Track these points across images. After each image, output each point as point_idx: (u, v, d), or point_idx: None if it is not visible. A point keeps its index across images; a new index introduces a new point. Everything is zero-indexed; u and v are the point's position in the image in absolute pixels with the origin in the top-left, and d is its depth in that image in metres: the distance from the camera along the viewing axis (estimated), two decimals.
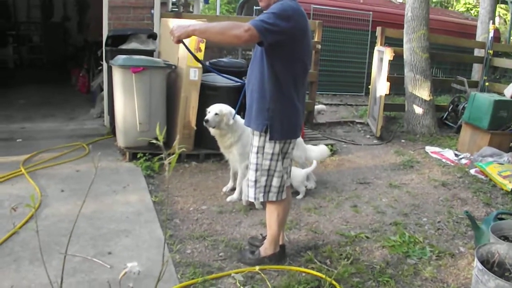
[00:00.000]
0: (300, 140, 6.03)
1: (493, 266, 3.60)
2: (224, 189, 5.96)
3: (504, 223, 4.45)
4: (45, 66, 15.11)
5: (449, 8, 31.22)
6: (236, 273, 4.00)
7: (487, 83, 10.60)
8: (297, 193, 5.92)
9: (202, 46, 6.47)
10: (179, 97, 6.69)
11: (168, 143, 6.69)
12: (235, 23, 3.53)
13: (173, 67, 6.77)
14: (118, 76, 6.53)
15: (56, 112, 9.00)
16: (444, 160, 7.87)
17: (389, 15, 14.65)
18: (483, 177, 7.03)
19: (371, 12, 14.66)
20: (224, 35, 3.56)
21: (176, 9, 21.26)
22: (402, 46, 9.86)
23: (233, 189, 5.88)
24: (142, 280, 3.56)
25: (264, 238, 4.40)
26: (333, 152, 7.88)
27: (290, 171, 4.29)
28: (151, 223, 4.83)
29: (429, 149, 8.43)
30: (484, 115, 7.92)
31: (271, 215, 4.13)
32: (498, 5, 17.36)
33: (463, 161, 7.82)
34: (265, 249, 4.25)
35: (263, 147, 3.89)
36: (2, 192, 5.38)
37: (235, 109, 5.32)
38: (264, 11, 3.67)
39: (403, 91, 10.17)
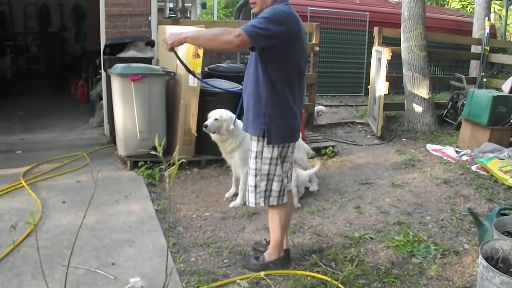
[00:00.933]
0: (300, 142, 6.03)
1: (497, 262, 3.60)
2: (227, 195, 5.95)
3: (507, 218, 4.45)
4: (43, 76, 15.13)
5: (445, 6, 31.25)
6: (241, 279, 3.99)
7: (485, 79, 10.59)
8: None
9: (201, 52, 6.48)
10: (178, 104, 6.69)
11: (169, 150, 6.74)
12: (226, 29, 3.59)
13: (172, 74, 6.77)
14: (117, 85, 6.53)
15: (56, 122, 9.01)
16: (445, 158, 7.87)
17: (385, 14, 14.67)
18: (484, 173, 7.03)
19: (368, 13, 14.67)
20: (215, 41, 3.61)
21: (174, 15, 21.30)
22: (399, 45, 9.87)
23: (235, 195, 5.87)
24: None
25: (268, 243, 4.39)
26: (334, 154, 7.88)
27: (291, 174, 4.28)
28: (154, 232, 4.82)
29: (430, 147, 8.43)
30: (483, 111, 7.92)
31: (274, 219, 4.12)
32: (492, 1, 17.40)
33: (464, 157, 7.81)
34: (270, 254, 4.25)
35: (262, 152, 3.89)
36: (2, 205, 5.35)
37: (235, 114, 5.33)
38: (257, 16, 3.69)
39: (402, 90, 10.18)
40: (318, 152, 7.73)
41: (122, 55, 7.28)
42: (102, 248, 4.46)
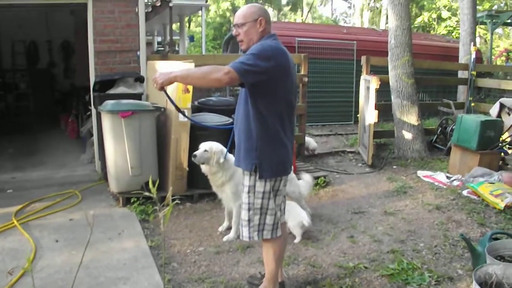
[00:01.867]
0: (292, 175, 6.05)
1: (491, 287, 3.62)
2: (220, 229, 5.94)
3: (499, 243, 4.49)
4: (32, 113, 15.12)
5: (431, 32, 31.59)
6: None
7: (472, 104, 10.70)
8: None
9: (190, 87, 6.53)
10: (169, 139, 6.72)
11: (161, 185, 6.71)
12: (215, 66, 3.62)
13: (162, 109, 6.81)
14: (107, 122, 6.56)
15: (47, 159, 9.00)
16: (436, 183, 7.91)
17: (372, 43, 14.84)
18: (475, 197, 7.07)
19: (355, 42, 14.85)
20: (205, 79, 3.65)
21: (162, 49, 21.43)
22: (387, 73, 9.97)
23: (229, 228, 5.86)
24: None
25: (263, 276, 4.39)
26: (326, 184, 7.91)
27: (284, 207, 4.29)
28: (149, 268, 4.80)
29: (421, 173, 8.47)
30: (472, 136, 7.99)
31: (268, 252, 4.12)
32: (477, 25, 17.62)
33: (455, 183, 7.86)
34: (265, 287, 4.25)
35: (254, 186, 3.91)
36: None
37: (227, 147, 5.37)
38: (245, 53, 3.75)
39: (392, 117, 10.25)
40: None
41: (111, 91, 7.32)
42: (97, 286, 4.44)
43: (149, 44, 20.08)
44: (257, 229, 3.97)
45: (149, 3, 15.82)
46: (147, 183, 2.84)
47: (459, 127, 8.38)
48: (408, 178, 8.35)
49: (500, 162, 8.36)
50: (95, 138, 8.02)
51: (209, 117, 7.21)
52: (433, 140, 10.53)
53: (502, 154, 8.43)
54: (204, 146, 5.59)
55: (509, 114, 7.90)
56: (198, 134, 6.77)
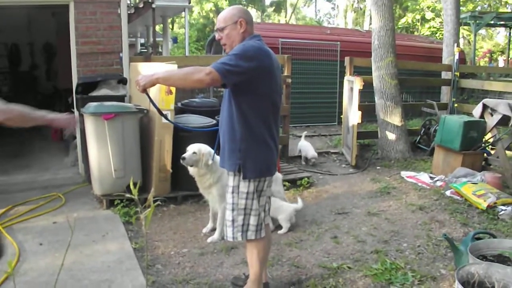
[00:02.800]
0: (278, 175, 6.06)
1: (473, 286, 3.65)
2: (204, 230, 5.94)
3: (481, 242, 4.52)
4: None
5: (415, 33, 31.76)
6: None
7: (456, 105, 10.77)
8: (281, 227, 5.94)
9: (173, 88, 6.52)
10: (153, 141, 6.70)
11: (145, 187, 6.72)
12: (197, 67, 3.65)
13: (145, 111, 6.79)
14: (90, 124, 6.53)
15: (30, 162, 8.94)
16: (419, 184, 7.95)
17: (356, 44, 14.86)
18: (458, 197, 7.11)
19: (338, 42, 14.89)
20: (186, 80, 3.71)
21: (145, 50, 21.39)
22: (371, 74, 10.01)
23: (213, 230, 5.87)
24: None
25: (247, 277, 4.38)
26: (310, 184, 7.93)
27: (269, 208, 4.30)
28: (133, 270, 4.77)
29: (404, 174, 8.51)
30: (455, 136, 8.03)
31: (252, 253, 4.12)
32: (461, 26, 17.72)
33: (438, 183, 7.90)
34: None
35: (238, 187, 3.91)
36: None
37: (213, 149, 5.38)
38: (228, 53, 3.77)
39: (375, 118, 10.30)
40: (294, 183, 7.78)
41: (94, 93, 7.29)
42: None
43: (132, 45, 20.02)
44: (240, 229, 3.97)
45: (132, 5, 15.81)
46: (134, 186, 2.84)
47: (442, 127, 8.42)
48: (391, 178, 8.39)
49: (483, 162, 8.42)
50: (78, 140, 7.97)
51: (192, 118, 7.19)
52: (417, 140, 10.59)
53: (485, 154, 8.50)
54: (192, 148, 5.58)
55: (492, 115, 7.94)
56: (181, 135, 6.76)
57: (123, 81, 7.63)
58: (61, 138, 10.52)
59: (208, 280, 4.66)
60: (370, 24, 17.16)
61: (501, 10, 31.98)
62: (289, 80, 9.16)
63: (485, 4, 36.10)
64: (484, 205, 6.58)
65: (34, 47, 15.56)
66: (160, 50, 22.04)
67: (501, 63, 30.67)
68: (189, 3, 18.69)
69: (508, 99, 10.03)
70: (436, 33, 30.02)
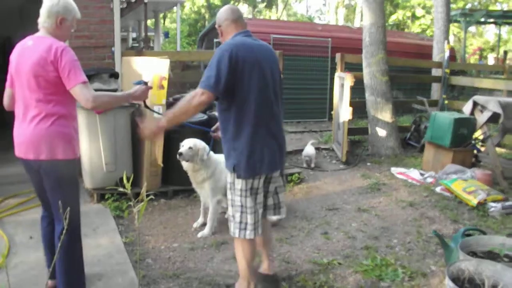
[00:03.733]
0: None
1: (464, 283, 3.66)
2: (195, 225, 5.94)
3: (472, 239, 4.54)
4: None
5: (405, 30, 31.86)
6: None
7: (446, 102, 10.82)
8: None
9: (165, 83, 6.51)
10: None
11: (136, 181, 6.66)
12: (189, 95, 3.71)
13: (137, 105, 6.76)
14: (82, 118, 6.50)
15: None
16: (410, 180, 7.98)
17: (347, 40, 14.90)
18: (448, 194, 7.15)
19: (329, 39, 14.89)
20: (189, 111, 3.76)
21: (137, 45, 21.35)
22: (362, 70, 10.03)
23: (203, 225, 5.85)
24: None
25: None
26: (300, 180, 7.94)
27: (276, 203, 4.28)
28: (123, 264, 4.78)
29: (394, 170, 8.53)
30: (446, 133, 8.07)
31: (237, 250, 4.13)
32: (451, 24, 17.78)
33: (429, 179, 7.94)
34: (239, 285, 4.24)
35: (234, 183, 3.93)
36: None
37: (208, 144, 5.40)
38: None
39: (366, 114, 10.32)
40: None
41: None
42: None
43: (124, 40, 19.98)
44: (238, 227, 3.97)
45: None
46: (121, 179, 2.84)
47: (433, 124, 8.46)
48: (382, 175, 8.41)
49: (473, 159, 8.46)
50: None
51: None
52: (407, 137, 10.62)
53: (475, 151, 8.53)
54: (188, 143, 5.57)
55: (482, 112, 7.97)
56: (172, 130, 6.74)
57: (115, 75, 7.58)
58: None
59: (198, 275, 4.67)
60: (361, 21, 17.20)
61: (491, 7, 32.16)
62: (281, 76, 9.12)
63: (475, 1, 36.24)
64: (474, 201, 6.62)
65: None
66: (151, 44, 22.00)
67: (491, 61, 30.78)
68: None
69: (498, 96, 10.09)
70: (427, 30, 30.17)
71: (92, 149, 6.54)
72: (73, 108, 3.82)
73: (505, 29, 30.47)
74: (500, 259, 4.18)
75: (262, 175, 3.97)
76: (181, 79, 11.12)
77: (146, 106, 4.66)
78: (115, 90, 7.29)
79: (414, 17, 33.33)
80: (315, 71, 14.68)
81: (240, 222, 3.97)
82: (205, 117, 7.14)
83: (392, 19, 33.52)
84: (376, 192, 7.47)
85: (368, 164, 9.27)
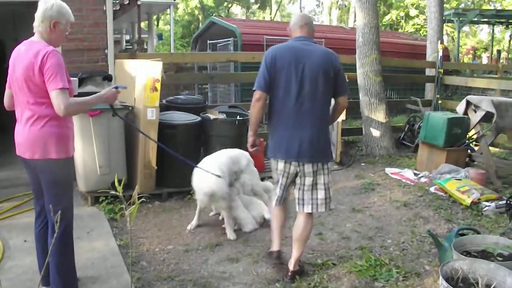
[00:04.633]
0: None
1: (457, 282, 3.68)
2: (189, 227, 5.91)
3: (465, 238, 4.56)
4: (2, 113, 14.86)
5: (399, 30, 31.92)
6: None
7: (440, 101, 10.85)
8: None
9: (158, 85, 6.50)
10: (138, 138, 6.67)
11: (130, 184, 6.71)
12: (253, 97, 4.48)
13: (130, 108, 6.75)
14: (75, 121, 6.43)
15: (15, 159, 8.80)
16: (404, 180, 7.99)
17: (341, 41, 14.94)
18: (442, 194, 7.17)
19: (323, 39, 14.88)
20: (253, 112, 4.54)
21: (131, 47, 21.32)
22: (355, 71, 10.03)
23: (198, 227, 5.89)
24: None
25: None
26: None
27: (301, 189, 4.63)
28: (118, 267, 4.78)
29: (388, 170, 8.55)
30: (439, 133, 8.09)
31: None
32: (445, 24, 17.82)
33: (423, 179, 7.96)
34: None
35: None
36: None
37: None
38: None
39: (360, 115, 10.33)
40: None
41: (79, 90, 7.22)
42: None
43: (117, 42, 19.95)
44: (273, 199, 4.84)
45: (117, 1, 15.72)
46: (119, 183, 2.84)
47: (426, 124, 8.48)
48: (376, 175, 8.42)
49: (467, 158, 8.48)
50: None
51: (177, 115, 7.18)
52: (401, 137, 10.63)
53: (469, 151, 8.56)
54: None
55: (475, 111, 8.00)
56: (166, 132, 6.76)
57: (108, 78, 7.58)
58: None
59: (192, 277, 4.66)
60: (355, 21, 17.23)
61: (484, 7, 32.25)
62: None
63: (469, 1, 36.35)
64: (468, 201, 6.64)
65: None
66: (145, 46, 21.98)
67: (484, 60, 30.88)
68: (174, 0, 18.66)
69: (491, 95, 10.12)
70: (420, 30, 30.23)
71: (86, 152, 6.53)
72: None
73: (498, 28, 30.53)
74: (494, 258, 4.20)
75: (280, 160, 4.51)
76: (175, 81, 11.10)
77: (112, 108, 4.73)
78: None
79: (407, 17, 33.41)
80: None
81: (274, 195, 4.79)
82: (199, 119, 7.14)
83: (386, 19, 33.60)
84: (370, 192, 7.47)
85: (362, 164, 9.27)
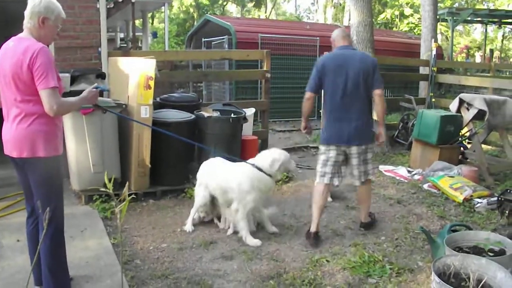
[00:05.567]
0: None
1: (449, 277, 3.69)
2: (187, 229, 5.88)
3: (458, 234, 4.58)
4: None
5: (393, 28, 31.96)
6: None
7: (433, 99, 10.86)
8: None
9: (152, 83, 6.50)
10: (131, 136, 6.67)
11: (124, 182, 6.64)
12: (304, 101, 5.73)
13: (124, 105, 6.74)
14: (68, 119, 6.46)
15: (7, 158, 8.79)
16: (397, 178, 8.02)
17: None
18: (435, 191, 7.20)
19: (318, 38, 14.91)
20: (304, 108, 5.74)
21: (125, 45, 21.27)
22: None
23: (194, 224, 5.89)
24: None
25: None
26: (289, 179, 7.96)
27: (358, 172, 5.63)
28: (112, 266, 4.76)
29: (382, 168, 8.57)
30: (433, 131, 8.12)
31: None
32: (439, 22, 17.85)
33: (416, 177, 7.98)
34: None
35: (319, 147, 5.79)
36: None
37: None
38: None
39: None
40: None
41: (72, 88, 7.19)
42: None
43: (111, 40, 19.91)
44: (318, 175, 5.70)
45: None
46: (109, 180, 2.85)
47: (420, 122, 8.50)
48: None
49: (460, 156, 8.51)
50: None
51: (171, 113, 7.18)
52: (395, 135, 10.66)
53: (462, 148, 8.60)
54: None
55: (468, 110, 8.02)
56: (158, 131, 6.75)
57: (101, 76, 7.56)
58: None
59: (187, 275, 4.67)
60: (349, 19, 17.28)
61: (477, 6, 32.35)
62: (268, 75, 9.13)
63: (462, 1, 36.44)
64: (460, 198, 6.67)
65: None
66: (139, 45, 21.95)
67: (477, 59, 30.97)
68: None
69: (484, 94, 10.15)
70: (415, 28, 30.25)
71: (79, 151, 6.52)
72: None
73: (491, 28, 30.60)
74: (485, 253, 4.22)
75: (333, 145, 5.53)
76: (169, 78, 11.08)
77: (98, 106, 4.97)
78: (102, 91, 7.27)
79: (402, 16, 33.45)
80: (303, 70, 14.65)
81: (320, 171, 5.63)
82: (193, 116, 7.14)
83: (380, 17, 33.65)
84: None
85: None
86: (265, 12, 45.59)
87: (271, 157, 5.50)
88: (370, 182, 5.95)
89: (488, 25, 25.48)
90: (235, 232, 5.65)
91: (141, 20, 20.84)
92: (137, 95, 6.48)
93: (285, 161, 5.55)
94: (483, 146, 8.45)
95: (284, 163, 5.54)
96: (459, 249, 4.33)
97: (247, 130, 8.33)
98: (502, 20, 22.89)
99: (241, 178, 5.47)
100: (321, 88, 5.60)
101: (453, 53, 25.67)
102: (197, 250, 5.28)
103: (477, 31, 44.32)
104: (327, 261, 4.97)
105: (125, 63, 7.11)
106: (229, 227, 5.78)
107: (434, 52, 11.20)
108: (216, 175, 5.75)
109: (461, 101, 8.15)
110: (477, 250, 4.32)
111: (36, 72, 3.57)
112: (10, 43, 3.81)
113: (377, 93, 5.45)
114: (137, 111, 6.52)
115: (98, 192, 6.40)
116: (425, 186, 7.45)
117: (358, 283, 4.54)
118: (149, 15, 25.84)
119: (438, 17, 15.29)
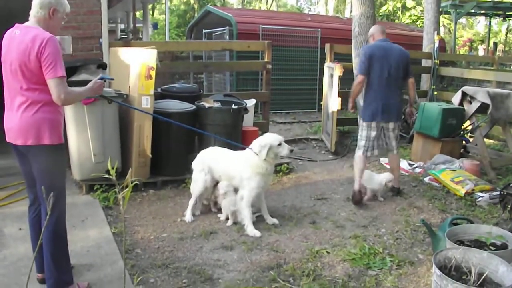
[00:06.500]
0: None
1: (450, 270, 3.69)
2: (187, 219, 5.88)
3: (459, 228, 4.57)
4: None
5: (395, 21, 31.89)
6: None
7: (435, 92, 10.85)
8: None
9: (153, 73, 6.48)
10: (132, 126, 6.66)
11: (124, 172, 6.66)
12: (355, 82, 6.81)
13: (125, 96, 6.73)
14: (69, 109, 6.46)
15: (9, 148, 8.80)
16: None
17: (337, 31, 14.87)
18: (437, 184, 7.19)
19: (319, 29, 14.88)
20: (355, 89, 6.71)
21: (126, 36, 21.23)
22: (351, 61, 10.00)
23: (192, 215, 5.89)
24: None
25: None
26: (290, 170, 7.96)
27: (373, 140, 6.70)
28: (112, 255, 4.78)
29: (383, 160, 8.54)
30: (434, 123, 8.09)
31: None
32: (442, 15, 17.79)
33: (417, 170, 7.97)
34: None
35: (361, 122, 6.84)
36: None
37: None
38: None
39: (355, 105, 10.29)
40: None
41: (73, 78, 7.19)
42: None
43: (112, 31, 19.84)
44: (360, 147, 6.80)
45: None
46: (108, 171, 2.84)
47: (422, 114, 8.47)
48: (371, 165, 8.42)
49: (462, 149, 8.48)
50: None
51: (172, 103, 7.17)
52: None
53: (464, 141, 8.56)
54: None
55: (470, 103, 8.00)
56: (160, 120, 6.73)
57: (102, 66, 7.54)
58: None
59: (187, 264, 4.67)
60: (351, 11, 17.21)
61: None
62: (269, 66, 9.12)
63: None
64: (462, 191, 6.66)
65: None
66: (140, 36, 21.88)
67: (481, 52, 30.89)
68: None
69: (487, 87, 10.12)
70: (417, 21, 30.19)
71: (80, 140, 6.51)
72: None
73: (495, 20, 30.54)
74: (487, 247, 4.21)
75: (374, 121, 6.59)
76: (169, 69, 11.06)
77: (103, 97, 5.01)
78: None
79: (404, 8, 33.38)
80: (304, 62, 14.67)
81: (363, 146, 6.69)
82: (193, 107, 7.13)
83: (383, 10, 33.55)
84: None
85: None
86: (266, 4, 45.49)
87: (258, 144, 5.50)
88: (398, 154, 7.08)
89: (492, 18, 25.39)
90: (235, 223, 5.67)
91: (142, 11, 20.75)
92: (138, 85, 6.47)
93: (273, 145, 5.45)
94: (485, 139, 8.43)
95: (272, 148, 5.45)
96: (460, 243, 4.32)
97: (248, 121, 8.32)
98: (507, 13, 22.81)
99: (241, 166, 5.55)
100: (370, 72, 6.51)
101: (456, 46, 25.59)
102: (198, 240, 5.28)
103: (480, 24, 44.21)
104: (327, 252, 4.98)
105: (126, 54, 7.09)
106: (227, 218, 5.79)
107: (436, 45, 11.17)
108: (217, 162, 5.84)
109: (464, 94, 8.13)
110: (478, 244, 4.31)
111: (44, 61, 3.59)
112: (16, 31, 3.81)
113: (411, 81, 6.85)
114: (138, 101, 6.51)
115: (99, 181, 6.41)
116: (426, 179, 7.44)
117: (358, 275, 4.54)
118: (150, 6, 25.74)
119: (441, 9, 15.22)
